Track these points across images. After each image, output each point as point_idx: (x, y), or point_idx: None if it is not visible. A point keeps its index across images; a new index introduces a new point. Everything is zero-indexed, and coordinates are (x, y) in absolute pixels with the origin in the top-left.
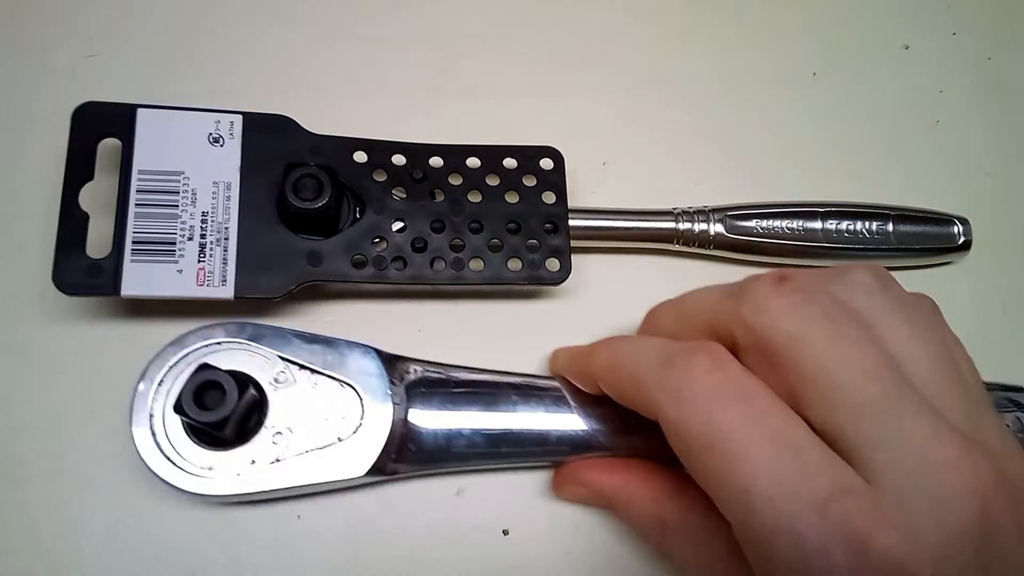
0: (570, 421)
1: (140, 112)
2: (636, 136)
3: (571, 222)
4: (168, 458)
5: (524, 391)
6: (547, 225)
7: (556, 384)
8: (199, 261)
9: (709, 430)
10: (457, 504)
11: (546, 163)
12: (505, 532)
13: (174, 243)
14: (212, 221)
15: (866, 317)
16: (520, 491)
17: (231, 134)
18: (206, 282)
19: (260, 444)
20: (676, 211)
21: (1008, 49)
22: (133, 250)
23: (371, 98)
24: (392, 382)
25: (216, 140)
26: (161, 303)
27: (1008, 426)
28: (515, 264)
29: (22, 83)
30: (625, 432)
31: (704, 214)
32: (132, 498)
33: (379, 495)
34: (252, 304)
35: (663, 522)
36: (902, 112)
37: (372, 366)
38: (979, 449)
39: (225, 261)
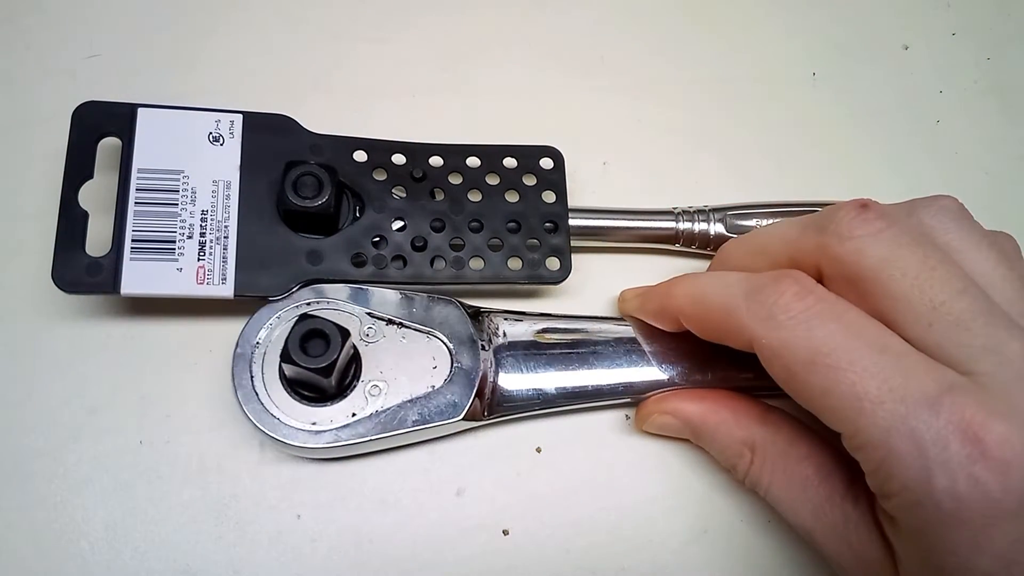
0: (646, 362)
1: (140, 111)
2: (636, 136)
3: (571, 222)
4: (273, 416)
5: (604, 338)
6: (547, 224)
7: (630, 328)
8: (199, 259)
9: (810, 347)
10: (457, 504)
11: (546, 163)
12: (505, 532)
13: (174, 241)
14: (212, 220)
15: (951, 242)
16: (520, 489)
17: (231, 133)
18: (206, 280)
19: (357, 398)
20: (676, 211)
21: (1008, 49)
22: (133, 248)
23: (371, 98)
24: (477, 331)
25: (216, 139)
26: (161, 301)
27: None
28: (515, 263)
29: (22, 83)
30: (701, 367)
31: (704, 214)
32: (132, 498)
33: (379, 494)
34: (252, 303)
35: (752, 447)
36: (902, 112)
37: (456, 315)
38: None
39: (225, 259)
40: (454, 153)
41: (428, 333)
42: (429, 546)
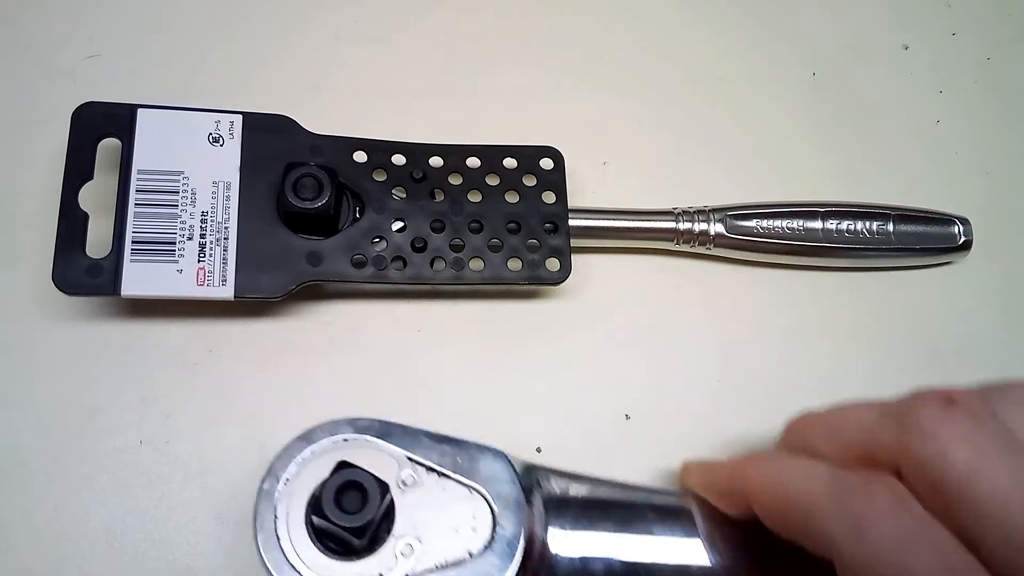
0: (705, 546)
1: (140, 112)
2: (636, 136)
3: (571, 222)
4: (293, 567)
5: (660, 512)
6: (547, 225)
7: (689, 504)
8: (199, 261)
9: None
10: None
11: (546, 163)
12: None
13: (174, 243)
14: (212, 221)
15: None
16: None
17: (231, 134)
18: (206, 282)
19: (387, 555)
20: (676, 211)
21: (1008, 49)
22: (133, 250)
23: (371, 98)
24: (525, 494)
25: (216, 140)
26: (161, 303)
27: None
28: (515, 264)
29: (22, 83)
30: (769, 559)
31: (704, 214)
32: (132, 498)
33: None
34: (252, 304)
35: None
36: (902, 112)
37: (503, 472)
38: None
39: (225, 261)
40: (454, 153)
41: (471, 488)
42: None
